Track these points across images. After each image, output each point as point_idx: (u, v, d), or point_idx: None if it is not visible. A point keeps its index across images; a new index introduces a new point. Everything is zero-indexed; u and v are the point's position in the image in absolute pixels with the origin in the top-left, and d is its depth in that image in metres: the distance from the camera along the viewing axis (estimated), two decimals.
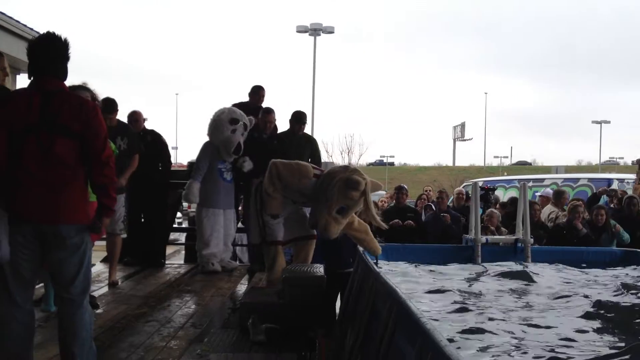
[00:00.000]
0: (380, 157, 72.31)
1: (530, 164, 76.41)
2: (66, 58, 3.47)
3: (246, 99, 7.97)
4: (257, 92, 7.94)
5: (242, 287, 6.50)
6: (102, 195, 3.45)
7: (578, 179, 11.60)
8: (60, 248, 3.33)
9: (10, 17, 10.20)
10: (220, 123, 7.04)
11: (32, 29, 10.38)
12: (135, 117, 7.58)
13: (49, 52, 3.41)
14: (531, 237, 6.51)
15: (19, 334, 3.36)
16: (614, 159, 75.16)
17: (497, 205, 9.65)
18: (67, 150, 3.31)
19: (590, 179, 11.32)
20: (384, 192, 23.55)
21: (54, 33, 3.46)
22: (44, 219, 3.29)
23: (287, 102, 31.27)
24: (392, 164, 69.45)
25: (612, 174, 13.74)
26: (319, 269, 5.10)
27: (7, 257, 3.26)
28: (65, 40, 3.46)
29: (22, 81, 10.92)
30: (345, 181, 4.95)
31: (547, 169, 44.77)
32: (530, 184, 11.01)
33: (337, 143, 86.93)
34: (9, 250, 3.27)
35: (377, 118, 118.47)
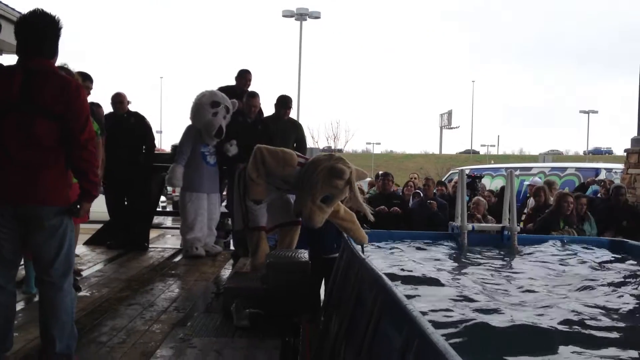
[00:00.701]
0: (367, 143, 72.09)
1: (478, 152, 77.54)
2: (55, 36, 3.34)
3: (233, 82, 7.87)
4: (244, 76, 7.85)
5: (226, 272, 6.45)
6: (82, 180, 3.36)
7: (565, 168, 11.53)
8: (38, 230, 3.26)
9: None
10: (201, 106, 6.96)
11: (13, 9, 10.16)
12: (119, 98, 7.47)
13: (36, 29, 3.29)
14: (518, 225, 6.49)
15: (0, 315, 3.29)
16: (556, 150, 76.20)
17: (486, 193, 9.65)
18: (47, 132, 3.21)
19: (577, 169, 11.27)
20: (369, 179, 23.53)
21: (42, 10, 3.32)
22: (21, 200, 3.21)
23: (273, 86, 31.18)
24: (340, 150, 68.45)
25: (599, 163, 13.66)
26: (304, 255, 5.04)
27: None
28: (56, 17, 3.33)
29: (4, 62, 10.68)
30: (330, 170, 4.88)
31: (534, 158, 44.97)
32: (518, 172, 10.98)
33: (323, 129, 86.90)
34: None
35: (363, 105, 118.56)
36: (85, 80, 5.69)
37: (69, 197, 3.36)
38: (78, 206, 3.36)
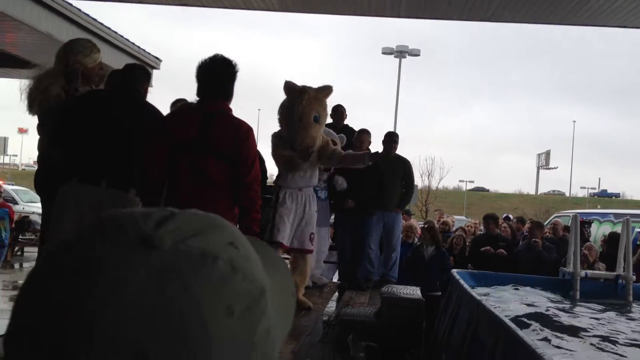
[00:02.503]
0: (460, 181, 71.12)
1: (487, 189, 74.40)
2: (232, 80, 3.64)
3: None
4: (338, 111, 7.96)
5: (332, 304, 6.59)
6: (245, 216, 3.60)
7: None
8: None
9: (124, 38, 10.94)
10: None
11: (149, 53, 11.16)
12: None
13: (215, 73, 3.60)
14: (633, 274, 6.29)
15: None
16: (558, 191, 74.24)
17: (601, 240, 9.36)
18: (218, 170, 3.49)
19: None
20: (464, 218, 23.07)
21: (222, 56, 3.64)
22: None
23: (370, 122, 31.40)
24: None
25: None
26: (417, 291, 5.14)
27: None
28: (233, 63, 3.62)
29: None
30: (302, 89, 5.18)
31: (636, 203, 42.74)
32: (629, 218, 10.51)
33: (417, 165, 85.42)
34: None
35: (457, 141, 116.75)
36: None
37: None
38: None
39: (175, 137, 3.50)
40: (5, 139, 45.40)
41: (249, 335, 0.51)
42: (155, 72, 12.39)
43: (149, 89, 4.21)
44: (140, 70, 4.20)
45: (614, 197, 69.74)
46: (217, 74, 3.60)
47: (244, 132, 3.57)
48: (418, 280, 7.14)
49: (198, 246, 0.50)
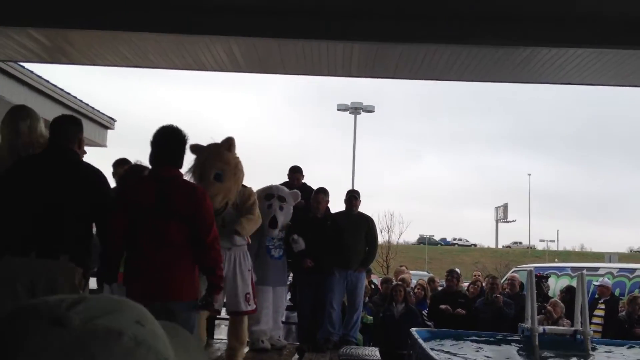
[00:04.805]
0: (420, 235, 71.71)
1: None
2: (183, 150, 3.84)
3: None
4: (293, 173, 7.98)
5: None
6: (210, 275, 3.72)
7: (635, 270, 11.06)
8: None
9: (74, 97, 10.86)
10: (258, 201, 7.14)
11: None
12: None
13: (165, 144, 3.76)
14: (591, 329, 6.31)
15: None
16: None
17: (559, 294, 9.41)
18: (177, 233, 3.58)
19: None
20: (425, 273, 23.13)
21: (173, 126, 3.82)
22: (155, 296, 3.46)
23: (327, 178, 31.25)
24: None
25: None
26: (376, 352, 5.05)
27: None
28: (183, 134, 3.81)
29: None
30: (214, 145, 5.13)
31: (596, 256, 43.52)
32: (584, 272, 10.61)
33: (377, 221, 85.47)
34: None
35: (415, 195, 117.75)
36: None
37: (197, 290, 3.69)
38: (209, 298, 3.70)
39: (133, 204, 3.60)
40: None
41: None
42: (109, 132, 12.27)
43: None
44: (70, 124, 3.94)
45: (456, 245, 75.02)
46: (169, 144, 3.76)
47: (200, 195, 3.72)
48: (389, 339, 7.05)
49: (104, 324, 0.58)
